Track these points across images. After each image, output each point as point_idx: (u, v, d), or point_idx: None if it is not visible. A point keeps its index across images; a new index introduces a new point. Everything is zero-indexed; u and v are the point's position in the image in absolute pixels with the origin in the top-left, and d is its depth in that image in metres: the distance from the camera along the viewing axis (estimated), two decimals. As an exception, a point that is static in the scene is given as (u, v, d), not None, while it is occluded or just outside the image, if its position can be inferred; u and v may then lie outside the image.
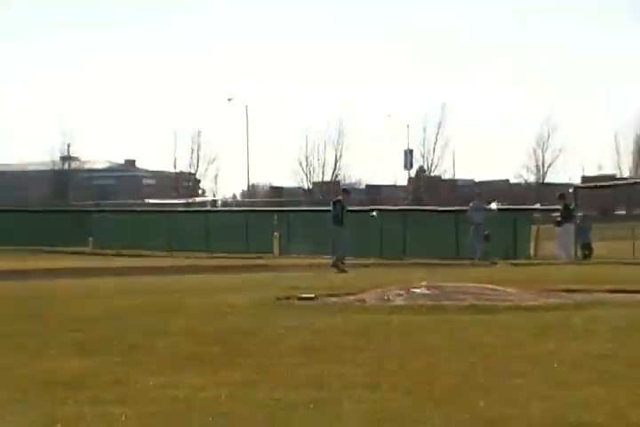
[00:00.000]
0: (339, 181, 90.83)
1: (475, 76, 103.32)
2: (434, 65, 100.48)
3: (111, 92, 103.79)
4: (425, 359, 8.71)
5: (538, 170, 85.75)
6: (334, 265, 24.44)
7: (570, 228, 29.91)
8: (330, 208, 27.06)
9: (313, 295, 14.76)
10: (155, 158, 67.14)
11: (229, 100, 76.81)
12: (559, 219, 30.49)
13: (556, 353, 8.91)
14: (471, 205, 31.75)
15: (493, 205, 32.56)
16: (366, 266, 24.74)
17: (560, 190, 39.74)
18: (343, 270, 23.86)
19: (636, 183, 64.81)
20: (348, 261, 26.38)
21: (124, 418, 5.99)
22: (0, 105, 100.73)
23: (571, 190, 34.91)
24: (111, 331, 10.99)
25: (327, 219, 26.56)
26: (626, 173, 79.54)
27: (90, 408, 6.34)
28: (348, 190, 31.34)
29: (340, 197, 27.18)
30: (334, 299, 14.49)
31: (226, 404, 6.53)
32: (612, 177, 74.01)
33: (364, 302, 14.01)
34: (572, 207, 30.81)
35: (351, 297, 14.47)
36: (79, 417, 6.09)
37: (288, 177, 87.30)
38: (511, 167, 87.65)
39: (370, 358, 8.82)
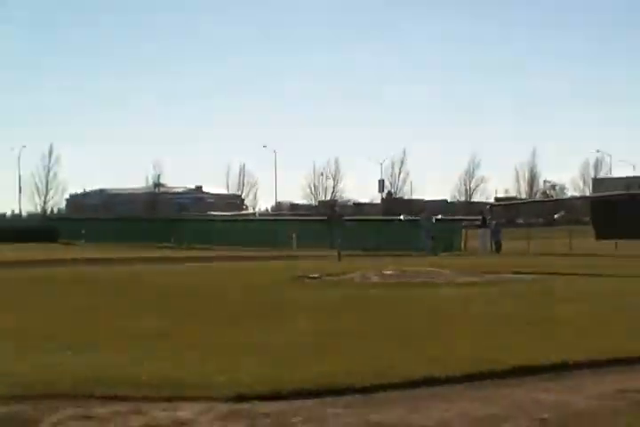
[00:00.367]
0: (336, 200, 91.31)
1: (425, 129, 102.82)
2: (400, 122, 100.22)
3: (187, 137, 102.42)
4: (392, 317, 8.52)
5: (466, 193, 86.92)
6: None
7: (486, 231, 29.78)
8: (327, 218, 27.03)
9: (317, 275, 14.44)
10: (215, 184, 68.27)
11: (264, 146, 76.61)
12: (479, 224, 30.71)
13: (478, 313, 8.73)
14: (421, 215, 31.75)
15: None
16: (353, 256, 23.93)
17: (481, 207, 40.76)
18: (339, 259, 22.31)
19: (529, 202, 66.73)
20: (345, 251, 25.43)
21: (197, 360, 5.67)
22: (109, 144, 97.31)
23: (488, 207, 36.11)
24: (184, 299, 10.69)
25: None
26: (523, 196, 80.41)
27: (169, 350, 6.15)
28: (337, 204, 30.83)
29: (332, 213, 26.96)
30: (332, 278, 14.16)
31: (260, 346, 6.28)
32: (514, 198, 75.40)
33: (352, 279, 13.72)
34: (487, 218, 30.88)
35: (343, 276, 14.18)
36: (164, 357, 5.79)
37: (302, 197, 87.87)
38: (448, 191, 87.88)
39: (355, 316, 8.63)
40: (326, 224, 26.45)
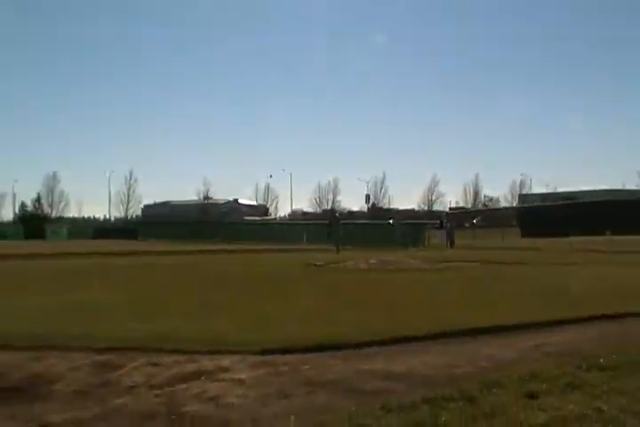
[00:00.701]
0: (334, 209, 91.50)
1: (399, 157, 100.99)
2: (381, 152, 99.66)
3: (229, 162, 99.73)
4: (375, 293, 8.49)
5: (428, 203, 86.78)
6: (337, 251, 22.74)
7: (443, 231, 29.51)
8: (328, 222, 26.21)
9: (322, 263, 14.36)
10: (247, 197, 67.61)
11: (283, 170, 77.44)
12: (438, 226, 31.22)
13: (438, 289, 8.70)
14: (393, 220, 31.89)
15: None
16: (349, 250, 23.77)
17: (440, 214, 40.65)
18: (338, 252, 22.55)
19: (472, 211, 66.87)
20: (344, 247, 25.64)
21: (234, 324, 5.55)
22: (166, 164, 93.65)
23: (445, 214, 35.91)
24: (228, 279, 10.61)
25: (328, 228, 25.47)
26: (469, 206, 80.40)
27: (219, 316, 6.02)
28: (335, 211, 30.67)
29: (332, 218, 26.53)
30: (333, 265, 14.11)
31: (282, 313, 6.25)
32: (463, 208, 75.37)
33: (346, 266, 13.71)
34: (444, 222, 31.18)
35: (341, 264, 14.12)
36: (213, 318, 5.77)
37: (311, 206, 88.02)
38: (415, 202, 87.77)
39: (349, 293, 8.55)
40: (327, 226, 25.53)
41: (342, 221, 28.71)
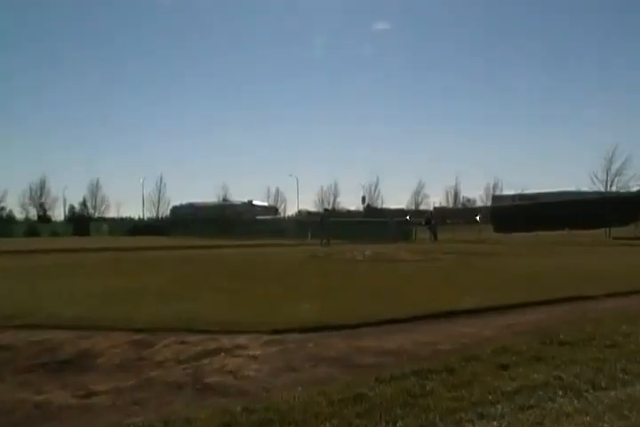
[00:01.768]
0: (334, 208, 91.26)
1: (391, 163, 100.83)
2: (374, 159, 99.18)
3: (245, 169, 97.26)
4: (369, 279, 8.39)
5: (415, 204, 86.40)
6: (326, 244, 22.31)
7: (428, 228, 29.13)
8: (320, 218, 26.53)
9: (323, 255, 14.48)
10: (260, 199, 66.62)
11: (290, 175, 77.52)
12: (424, 223, 30.28)
13: (424, 276, 8.66)
14: (388, 219, 31.51)
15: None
16: (346, 244, 23.43)
17: (426, 213, 40.48)
18: (327, 245, 21.98)
19: (454, 209, 66.82)
20: (342, 241, 25.24)
21: (250, 307, 5.55)
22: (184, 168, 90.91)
23: (429, 212, 35.64)
24: (243, 269, 10.48)
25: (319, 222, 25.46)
26: (450, 206, 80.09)
27: (235, 300, 6.03)
28: (327, 209, 30.44)
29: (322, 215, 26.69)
30: (333, 256, 14.07)
31: (284, 297, 6.15)
32: (445, 207, 75.31)
33: (344, 257, 13.67)
34: (431, 219, 30.31)
35: (339, 255, 14.09)
36: (231, 304, 5.75)
37: (315, 207, 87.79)
38: (405, 202, 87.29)
39: (345, 279, 8.52)
40: (319, 222, 25.32)
41: (331, 219, 28.59)
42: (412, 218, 31.66)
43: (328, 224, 24.68)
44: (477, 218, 35.37)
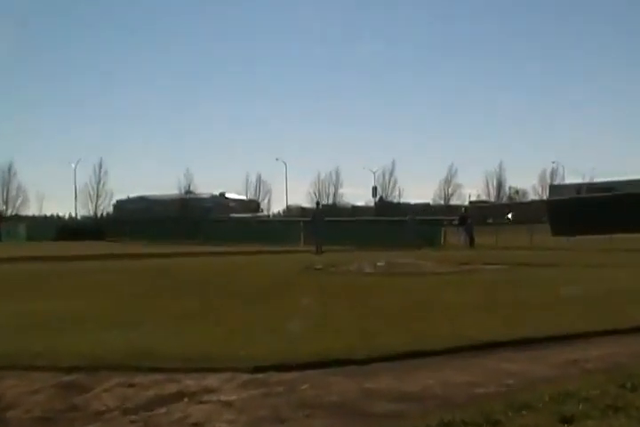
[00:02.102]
0: (336, 204, 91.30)
1: (410, 143, 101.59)
2: (390, 137, 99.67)
3: (214, 150, 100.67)
4: (383, 298, 8.61)
5: (445, 197, 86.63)
6: (319, 251, 22.53)
7: (463, 229, 29.58)
8: (312, 215, 26.04)
9: (321, 266, 14.53)
10: (236, 191, 66.81)
11: (277, 159, 76.97)
12: (457, 223, 30.39)
13: (455, 297, 8.73)
14: (408, 217, 31.64)
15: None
16: (351, 251, 24.10)
17: (460, 209, 40.01)
18: (320, 253, 22.16)
19: (497, 204, 66.75)
20: (343, 247, 25.56)
21: (219, 333, 5.73)
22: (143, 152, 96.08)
23: (463, 209, 35.84)
24: (211, 286, 10.69)
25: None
26: (492, 199, 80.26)
27: (202, 327, 6.19)
28: (319, 203, 30.38)
29: (315, 213, 25.83)
30: (333, 268, 14.24)
31: (271, 323, 6.32)
32: (485, 201, 75.31)
33: (349, 270, 13.82)
34: (466, 217, 30.48)
35: (342, 267, 14.22)
36: (195, 331, 5.94)
37: (310, 201, 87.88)
38: (430, 195, 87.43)
39: (352, 298, 8.76)
40: (310, 222, 25.31)
41: (347, 218, 28.72)
42: (410, 217, 31.54)
43: (323, 225, 24.85)
44: (509, 216, 35.39)
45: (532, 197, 77.63)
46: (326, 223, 25.73)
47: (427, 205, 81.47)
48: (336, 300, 8.58)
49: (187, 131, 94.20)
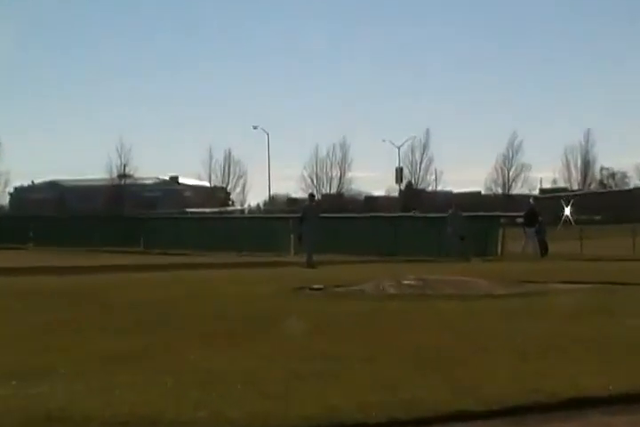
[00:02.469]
0: (342, 194, 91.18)
1: (452, 105, 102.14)
2: (419, 93, 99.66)
3: (158, 117, 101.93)
4: (413, 337, 8.53)
5: (504, 184, 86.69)
6: (309, 263, 23.30)
7: (532, 230, 29.47)
8: (301, 211, 26.29)
9: (322, 286, 14.55)
10: (194, 175, 66.09)
11: (255, 127, 77.06)
12: (523, 221, 30.25)
13: (518, 332, 8.70)
14: (449, 211, 31.26)
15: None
16: (365, 263, 24.23)
17: (526, 200, 40.00)
18: (312, 265, 22.80)
19: (583, 194, 65.91)
20: (351, 257, 26.22)
21: (173, 390, 5.73)
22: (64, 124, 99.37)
23: (530, 200, 35.61)
24: (157, 315, 10.79)
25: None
26: (575, 186, 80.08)
27: (142, 377, 6.21)
28: (313, 195, 30.16)
29: (307, 207, 26.27)
30: (339, 289, 14.27)
31: (249, 374, 6.32)
32: (564, 189, 75.18)
33: (363, 291, 13.82)
34: (537, 214, 30.34)
35: (353, 287, 14.23)
36: (133, 385, 5.91)
37: (302, 190, 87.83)
38: (482, 181, 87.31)
39: (368, 336, 8.66)
40: (300, 220, 25.66)
41: (357, 214, 28.86)
42: (453, 211, 31.43)
43: (318, 225, 25.07)
44: (567, 212, 35.26)
45: (635, 182, 77.57)
46: (321, 221, 25.94)
47: (476, 196, 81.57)
48: (342, 337, 8.64)
49: (121, 89, 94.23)
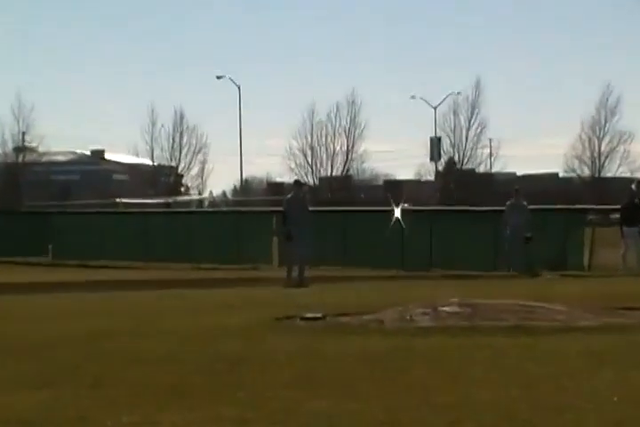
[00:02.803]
0: (350, 176, 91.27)
1: (514, 47, 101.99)
2: (464, 34, 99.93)
3: (74, 68, 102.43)
4: (456, 392, 8.72)
5: (593, 163, 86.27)
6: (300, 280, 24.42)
7: (636, 231, 29.46)
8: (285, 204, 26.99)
9: (320, 315, 14.80)
10: (128, 148, 65.58)
11: (218, 78, 78.10)
12: (621, 217, 30.17)
13: (614, 385, 8.79)
14: (508, 203, 31.07)
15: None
16: (385, 279, 24.71)
17: (625, 188, 39.87)
18: (302, 284, 23.89)
19: None
20: (363, 271, 27.06)
21: None
22: None
23: (633, 187, 35.33)
24: (75, 358, 11.06)
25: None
26: None
27: None
28: (301, 182, 31.35)
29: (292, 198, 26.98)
30: (346, 319, 14.57)
31: None
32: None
33: (381, 322, 14.04)
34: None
35: (366, 317, 14.47)
36: None
37: (290, 171, 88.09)
38: (560, 159, 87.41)
39: (388, 391, 8.82)
40: (282, 216, 26.46)
41: (371, 208, 29.13)
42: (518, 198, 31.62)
43: (307, 222, 25.86)
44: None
45: None
46: (313, 218, 26.69)
47: (552, 179, 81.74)
48: (349, 395, 8.69)
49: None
